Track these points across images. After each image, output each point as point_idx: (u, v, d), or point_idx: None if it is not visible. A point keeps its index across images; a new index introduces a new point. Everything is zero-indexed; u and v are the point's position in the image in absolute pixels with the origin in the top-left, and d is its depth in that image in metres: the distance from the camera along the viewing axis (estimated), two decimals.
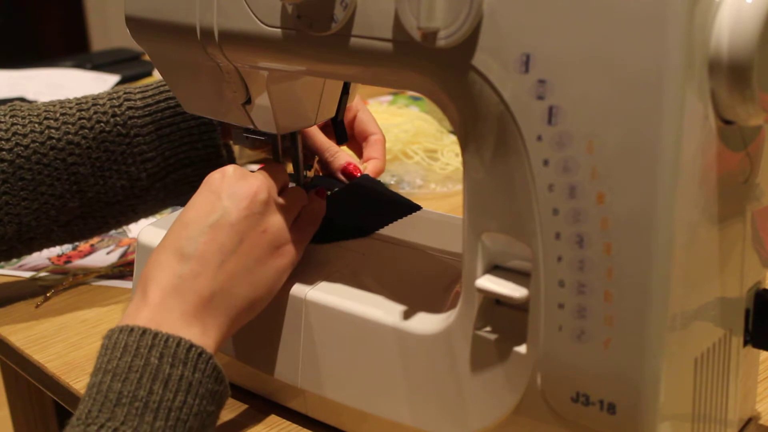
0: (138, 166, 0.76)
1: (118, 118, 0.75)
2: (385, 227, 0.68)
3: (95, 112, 0.75)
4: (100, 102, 0.76)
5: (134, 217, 0.80)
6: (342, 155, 0.73)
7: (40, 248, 0.78)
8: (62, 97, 0.78)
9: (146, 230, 0.68)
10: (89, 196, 0.75)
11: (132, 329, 0.52)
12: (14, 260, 0.89)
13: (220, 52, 0.58)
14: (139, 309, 0.54)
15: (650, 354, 0.44)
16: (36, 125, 0.74)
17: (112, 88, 0.78)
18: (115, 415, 0.49)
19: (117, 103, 0.75)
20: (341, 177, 0.73)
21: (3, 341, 0.76)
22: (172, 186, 0.78)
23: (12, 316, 0.79)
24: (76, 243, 0.91)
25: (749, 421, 0.59)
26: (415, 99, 1.26)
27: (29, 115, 0.75)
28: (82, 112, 0.75)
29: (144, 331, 0.51)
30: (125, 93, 0.77)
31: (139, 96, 0.76)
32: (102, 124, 0.75)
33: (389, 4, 0.48)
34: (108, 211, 0.77)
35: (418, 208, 0.71)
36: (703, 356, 0.49)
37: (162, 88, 0.77)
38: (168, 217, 0.72)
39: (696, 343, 0.48)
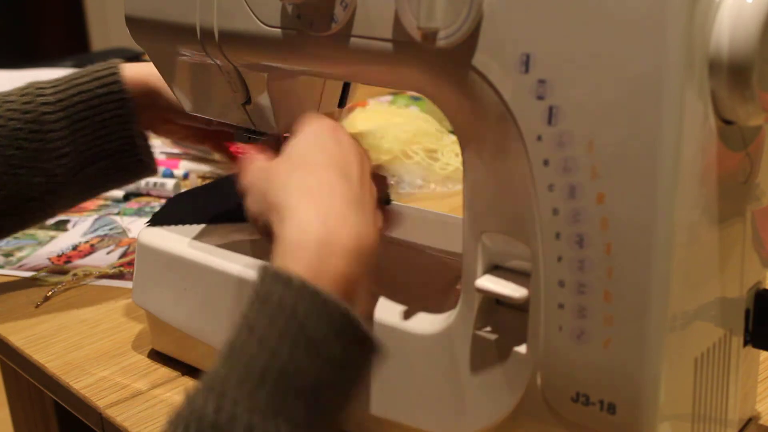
0: (53, 162, 0.75)
1: (30, 115, 0.74)
2: None
3: (7, 110, 0.74)
4: (11, 98, 0.75)
5: (51, 213, 0.79)
6: None
7: None
8: None
9: (147, 230, 0.68)
10: (3, 194, 0.74)
11: None
12: (14, 260, 0.89)
13: (220, 52, 0.58)
14: None
15: (650, 354, 0.44)
16: None
17: (25, 84, 0.77)
18: None
19: (29, 99, 0.74)
20: None
21: (3, 341, 0.76)
22: (88, 180, 0.77)
23: (12, 316, 0.79)
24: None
25: (749, 421, 0.59)
26: (415, 99, 1.26)
27: None
28: None
29: None
30: (37, 89, 0.75)
31: (50, 91, 0.75)
32: (14, 121, 0.73)
33: (389, 4, 0.48)
34: (24, 207, 0.76)
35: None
36: (703, 356, 0.49)
37: (74, 81, 0.76)
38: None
39: (696, 343, 0.48)
